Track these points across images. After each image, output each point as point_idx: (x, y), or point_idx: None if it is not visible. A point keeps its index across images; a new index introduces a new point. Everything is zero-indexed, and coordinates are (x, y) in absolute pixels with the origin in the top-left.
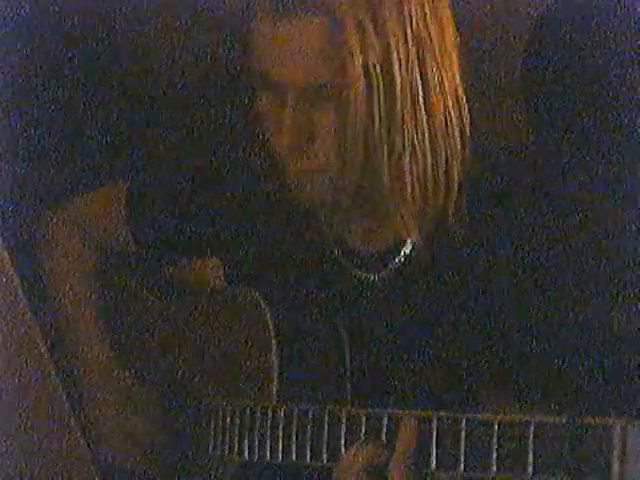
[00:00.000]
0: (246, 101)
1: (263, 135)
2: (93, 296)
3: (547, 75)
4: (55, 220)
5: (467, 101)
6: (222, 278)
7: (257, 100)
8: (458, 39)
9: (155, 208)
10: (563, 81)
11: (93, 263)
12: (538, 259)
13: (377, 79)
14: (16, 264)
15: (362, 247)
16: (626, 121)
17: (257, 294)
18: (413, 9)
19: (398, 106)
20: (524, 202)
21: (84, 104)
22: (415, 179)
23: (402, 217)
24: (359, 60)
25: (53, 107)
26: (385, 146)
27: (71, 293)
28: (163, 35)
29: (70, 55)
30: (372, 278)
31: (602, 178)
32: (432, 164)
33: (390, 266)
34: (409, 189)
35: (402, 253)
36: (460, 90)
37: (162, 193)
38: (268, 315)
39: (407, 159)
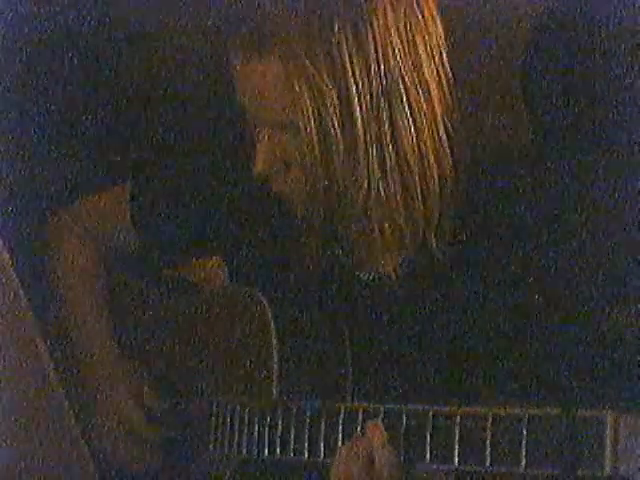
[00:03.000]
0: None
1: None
2: (96, 296)
3: (547, 75)
4: (59, 221)
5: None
6: (224, 276)
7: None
8: (444, 69)
9: (159, 208)
10: (563, 81)
11: (96, 263)
12: (537, 257)
13: (332, 120)
14: (16, 264)
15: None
16: (626, 120)
17: (259, 292)
18: (380, 48)
19: (361, 145)
20: (524, 201)
21: (86, 105)
22: (384, 218)
23: (373, 254)
24: (307, 103)
25: (55, 107)
26: (352, 184)
27: (74, 293)
28: (166, 35)
29: (71, 55)
30: (373, 276)
31: (602, 177)
32: (404, 204)
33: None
34: (377, 229)
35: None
36: (441, 124)
37: (166, 193)
38: (269, 313)
39: (373, 199)
